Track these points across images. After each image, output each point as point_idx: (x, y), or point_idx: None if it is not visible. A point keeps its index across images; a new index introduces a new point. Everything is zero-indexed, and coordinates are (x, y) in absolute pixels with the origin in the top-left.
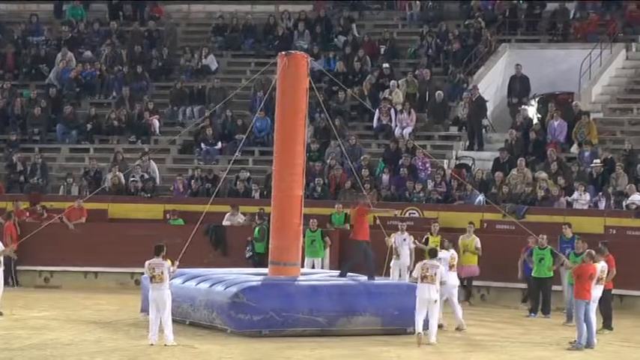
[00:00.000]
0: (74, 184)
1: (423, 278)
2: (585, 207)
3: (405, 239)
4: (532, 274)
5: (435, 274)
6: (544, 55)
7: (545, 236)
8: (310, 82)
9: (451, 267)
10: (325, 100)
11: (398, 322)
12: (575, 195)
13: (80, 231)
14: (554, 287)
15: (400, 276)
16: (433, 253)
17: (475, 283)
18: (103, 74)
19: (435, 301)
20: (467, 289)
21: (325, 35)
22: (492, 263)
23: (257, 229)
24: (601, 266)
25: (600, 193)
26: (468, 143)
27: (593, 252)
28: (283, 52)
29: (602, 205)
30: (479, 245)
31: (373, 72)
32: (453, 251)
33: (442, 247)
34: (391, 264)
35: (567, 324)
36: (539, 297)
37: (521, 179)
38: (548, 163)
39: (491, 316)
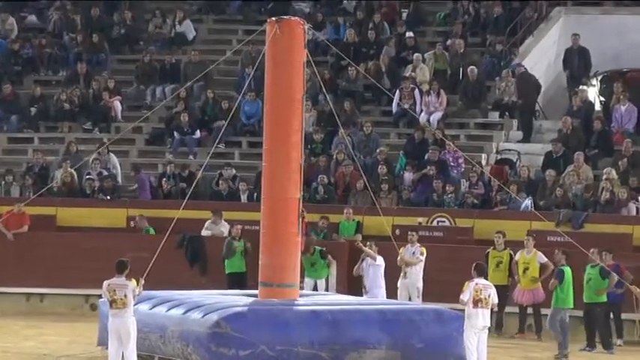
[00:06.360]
0: (14, 183)
1: (477, 302)
2: None
3: (414, 252)
4: (584, 299)
5: (489, 296)
6: (609, 23)
7: (595, 250)
8: (308, 56)
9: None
10: (332, 78)
11: (422, 358)
12: None
13: (21, 242)
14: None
15: (410, 299)
16: (482, 270)
17: (510, 309)
18: (51, 45)
19: (488, 328)
20: (535, 318)
21: None
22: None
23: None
24: None
25: None
26: (512, 133)
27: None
28: (274, 18)
29: None
30: (544, 260)
31: (392, 43)
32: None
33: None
34: (398, 284)
35: None
36: (591, 327)
37: (578, 179)
38: (615, 159)
39: (540, 349)
